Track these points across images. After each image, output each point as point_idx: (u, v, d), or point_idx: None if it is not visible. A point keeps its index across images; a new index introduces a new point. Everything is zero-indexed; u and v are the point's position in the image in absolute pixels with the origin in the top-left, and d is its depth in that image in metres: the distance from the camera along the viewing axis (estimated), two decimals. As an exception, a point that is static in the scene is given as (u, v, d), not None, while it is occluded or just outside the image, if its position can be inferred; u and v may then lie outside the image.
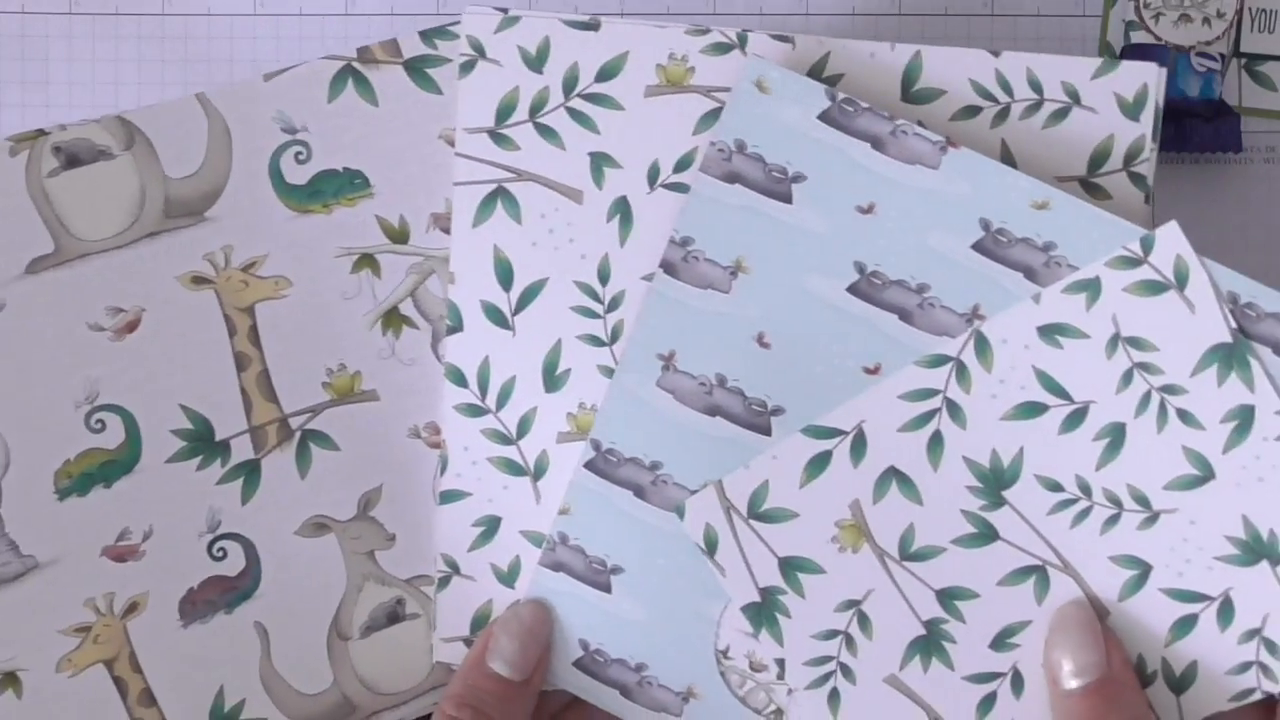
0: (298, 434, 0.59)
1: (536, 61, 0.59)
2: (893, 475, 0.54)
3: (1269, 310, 0.51)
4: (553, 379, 0.58)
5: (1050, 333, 0.53)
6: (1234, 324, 0.51)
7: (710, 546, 0.54)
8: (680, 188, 0.58)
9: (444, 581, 0.59)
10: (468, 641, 0.58)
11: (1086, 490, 0.53)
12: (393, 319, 0.60)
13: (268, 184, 0.59)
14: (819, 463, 0.54)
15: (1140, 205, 0.54)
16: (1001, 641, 0.54)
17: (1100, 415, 0.53)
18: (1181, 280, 0.52)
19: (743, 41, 0.58)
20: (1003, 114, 0.55)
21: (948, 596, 0.54)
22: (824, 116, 0.54)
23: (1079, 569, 0.53)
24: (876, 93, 0.54)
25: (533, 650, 0.58)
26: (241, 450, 0.59)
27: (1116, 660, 0.51)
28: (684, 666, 0.58)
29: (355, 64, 0.60)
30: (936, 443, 0.54)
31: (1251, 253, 0.67)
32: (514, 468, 0.59)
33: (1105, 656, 0.51)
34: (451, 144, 0.58)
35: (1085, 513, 0.53)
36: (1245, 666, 0.53)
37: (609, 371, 0.57)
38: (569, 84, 0.59)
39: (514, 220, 0.59)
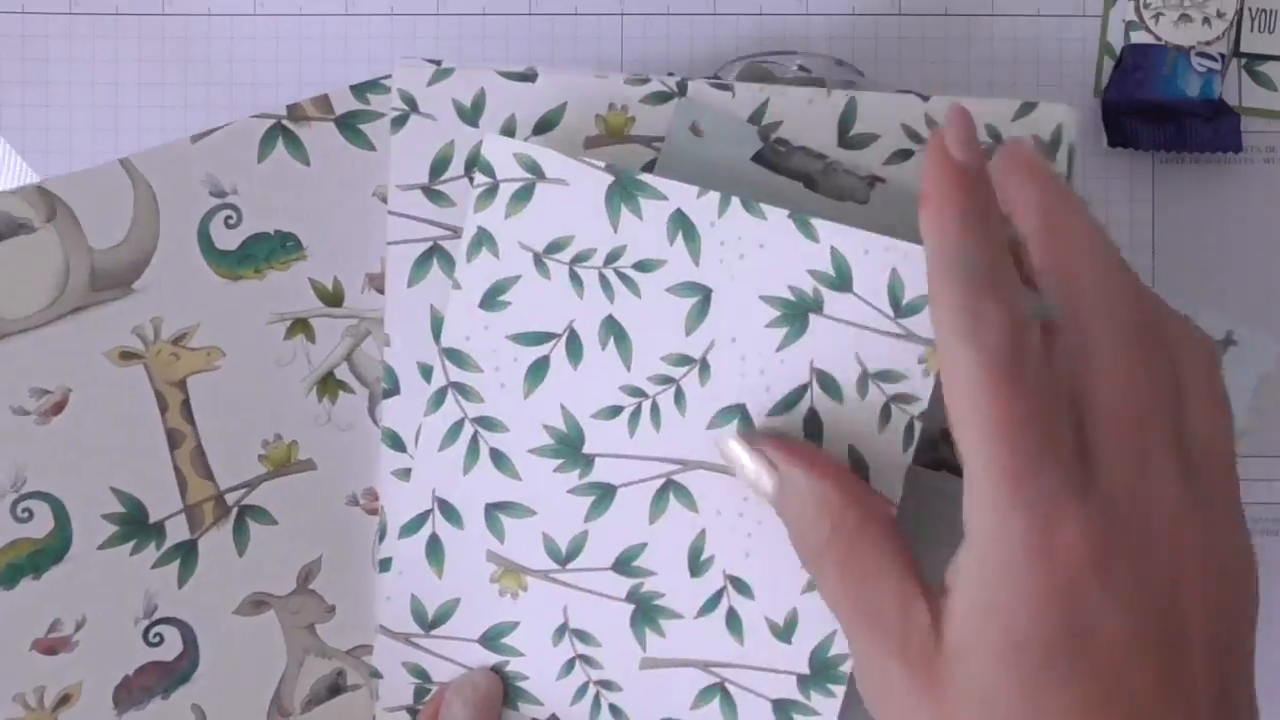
0: (234, 510, 0.58)
1: (472, 114, 0.58)
2: (494, 510, 0.56)
3: None
4: None
5: (491, 299, 0.55)
6: (602, 164, 0.53)
7: (424, 678, 0.58)
8: None
9: None
10: (411, 710, 0.60)
11: (637, 392, 0.53)
12: (329, 384, 0.60)
13: (197, 251, 0.58)
14: (435, 550, 0.57)
15: None
16: (697, 564, 0.53)
17: (588, 325, 0.54)
18: (536, 170, 0.54)
19: (682, 90, 0.58)
20: None
21: (624, 564, 0.54)
22: (757, 157, 0.55)
23: (696, 458, 0.53)
24: (815, 139, 0.55)
25: (487, 716, 0.57)
26: (177, 531, 0.58)
27: (778, 459, 0.49)
28: None
29: (285, 122, 0.59)
30: (500, 459, 0.55)
31: (1251, 253, 0.68)
32: None
33: (767, 465, 0.49)
34: (385, 201, 0.58)
35: (654, 410, 0.53)
36: None
37: None
38: (506, 135, 0.58)
39: (450, 279, 0.58)
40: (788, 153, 0.55)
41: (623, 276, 0.52)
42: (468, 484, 0.55)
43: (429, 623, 0.56)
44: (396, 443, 0.59)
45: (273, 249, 0.60)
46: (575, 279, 0.53)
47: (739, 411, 0.51)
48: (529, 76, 0.58)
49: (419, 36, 0.68)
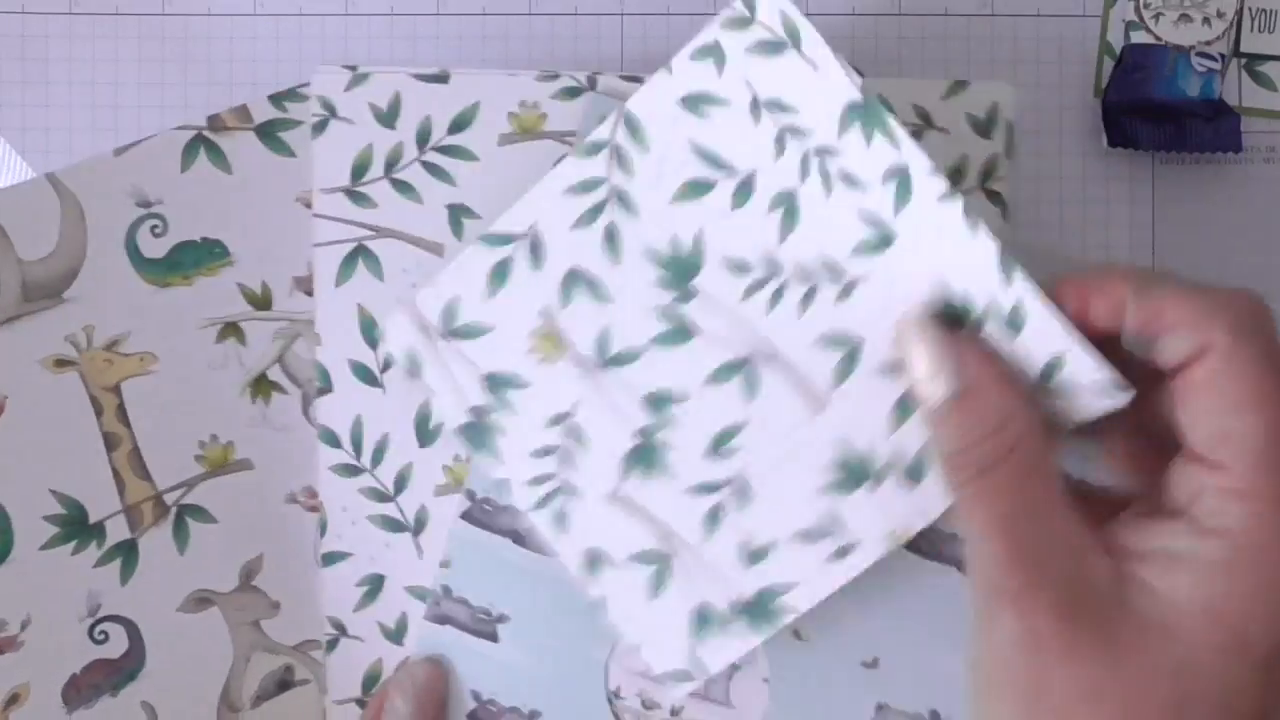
0: (173, 510, 0.59)
1: (389, 117, 0.60)
2: (577, 277, 0.53)
3: None
4: (427, 433, 0.59)
5: (694, 103, 0.52)
6: (859, 80, 0.49)
7: (415, 368, 0.55)
8: None
9: (332, 644, 0.59)
10: (360, 702, 0.59)
11: (775, 267, 0.51)
12: (262, 386, 0.60)
13: (125, 260, 0.59)
14: (500, 272, 0.54)
15: (999, 222, 0.56)
16: (719, 448, 0.52)
17: (768, 185, 0.51)
18: (795, 38, 0.50)
19: (593, 84, 0.59)
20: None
21: (656, 401, 0.53)
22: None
23: (788, 356, 0.51)
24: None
25: (429, 708, 0.58)
26: (117, 531, 0.59)
27: (972, 363, 0.46)
28: (577, 711, 0.58)
29: (206, 132, 0.61)
30: (612, 236, 0.53)
31: (1251, 253, 0.67)
32: (394, 524, 0.59)
33: (956, 364, 0.46)
34: (309, 206, 0.60)
35: (779, 292, 0.51)
36: None
37: None
38: (422, 137, 0.60)
39: (376, 278, 0.60)
40: None
41: (824, 171, 0.50)
42: (571, 237, 0.53)
43: (453, 328, 0.55)
44: (333, 440, 0.61)
45: (200, 256, 0.61)
46: (780, 142, 0.51)
47: (850, 347, 0.51)
48: (442, 78, 0.60)
49: (419, 36, 0.68)
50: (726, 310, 0.52)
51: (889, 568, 0.52)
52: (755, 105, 0.50)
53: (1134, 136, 0.66)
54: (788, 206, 0.51)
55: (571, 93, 0.59)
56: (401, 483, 0.59)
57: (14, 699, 0.60)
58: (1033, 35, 0.67)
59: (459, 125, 0.59)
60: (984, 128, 0.56)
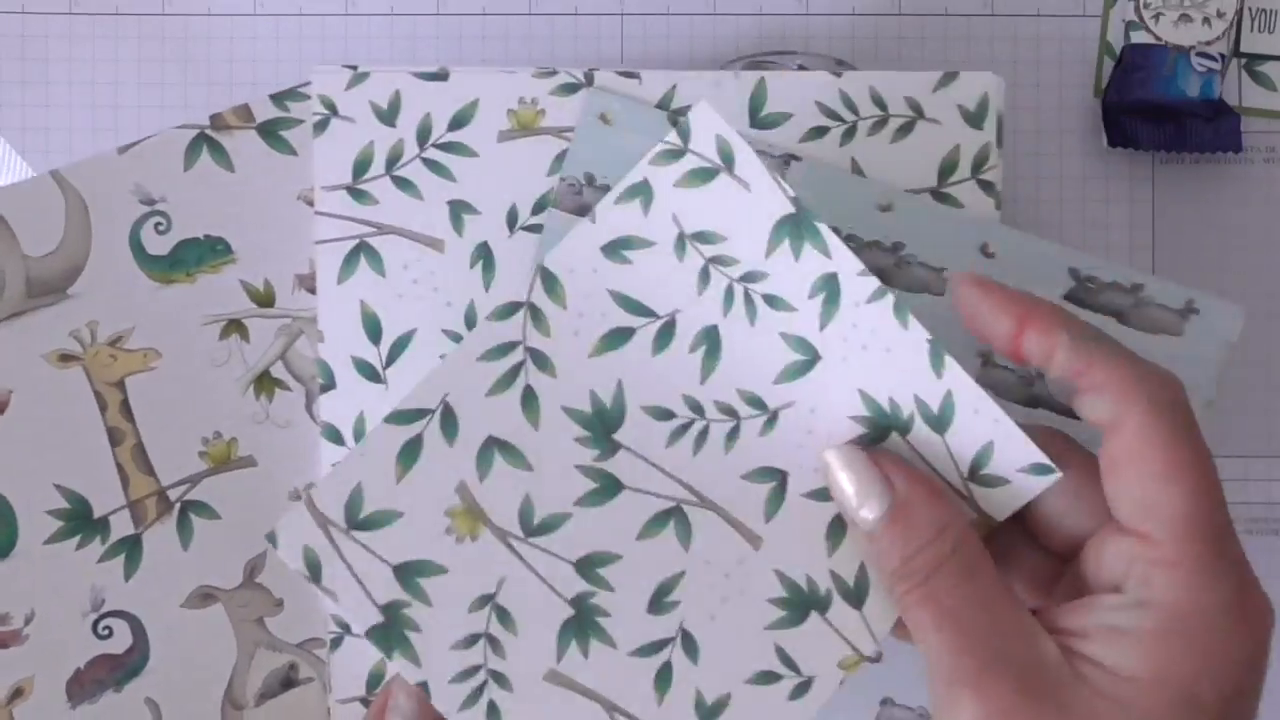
0: (177, 506, 0.60)
1: (389, 115, 0.60)
2: (494, 445, 0.50)
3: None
4: None
5: (615, 249, 0.51)
6: (791, 193, 0.49)
7: (314, 572, 0.49)
8: (539, 229, 0.59)
9: (336, 642, 0.59)
10: (364, 701, 0.59)
11: (698, 409, 0.51)
12: (265, 383, 0.61)
13: (129, 257, 0.60)
14: (411, 451, 0.50)
15: (991, 211, 0.56)
16: (660, 603, 0.50)
17: (690, 324, 0.50)
18: (728, 161, 0.50)
19: (590, 80, 0.59)
20: (849, 132, 0.57)
21: (588, 566, 0.50)
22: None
23: (716, 500, 0.50)
24: (726, 120, 0.54)
25: (432, 707, 0.58)
26: (121, 526, 0.59)
27: (898, 480, 0.47)
28: None
29: (209, 131, 0.61)
30: (530, 399, 0.51)
31: (1251, 253, 0.68)
32: None
33: (883, 484, 0.47)
34: (311, 204, 0.60)
35: (703, 434, 0.50)
36: None
37: None
38: (423, 135, 0.60)
39: (378, 274, 0.60)
40: None
41: (749, 299, 0.50)
42: (485, 405, 0.50)
43: (357, 520, 0.50)
44: (335, 437, 0.61)
45: (203, 253, 0.62)
46: (705, 276, 0.51)
47: (778, 479, 0.50)
48: (441, 76, 0.60)
49: (419, 36, 0.69)
50: (652, 460, 0.51)
51: None
52: (680, 241, 0.50)
53: (1134, 136, 0.67)
54: (710, 344, 0.50)
55: (569, 89, 0.60)
56: None
57: (18, 693, 0.60)
58: (1033, 35, 0.68)
59: (459, 122, 0.59)
60: (975, 118, 0.57)
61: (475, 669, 0.50)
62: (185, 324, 0.60)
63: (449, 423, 0.50)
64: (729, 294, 0.50)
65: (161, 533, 0.60)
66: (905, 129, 0.57)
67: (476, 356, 0.50)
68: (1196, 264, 0.68)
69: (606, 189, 0.56)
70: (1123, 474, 0.43)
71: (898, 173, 0.57)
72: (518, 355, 0.51)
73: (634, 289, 0.50)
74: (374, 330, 0.59)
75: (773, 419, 0.50)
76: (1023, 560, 0.49)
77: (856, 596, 0.49)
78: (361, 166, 0.59)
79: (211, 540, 0.60)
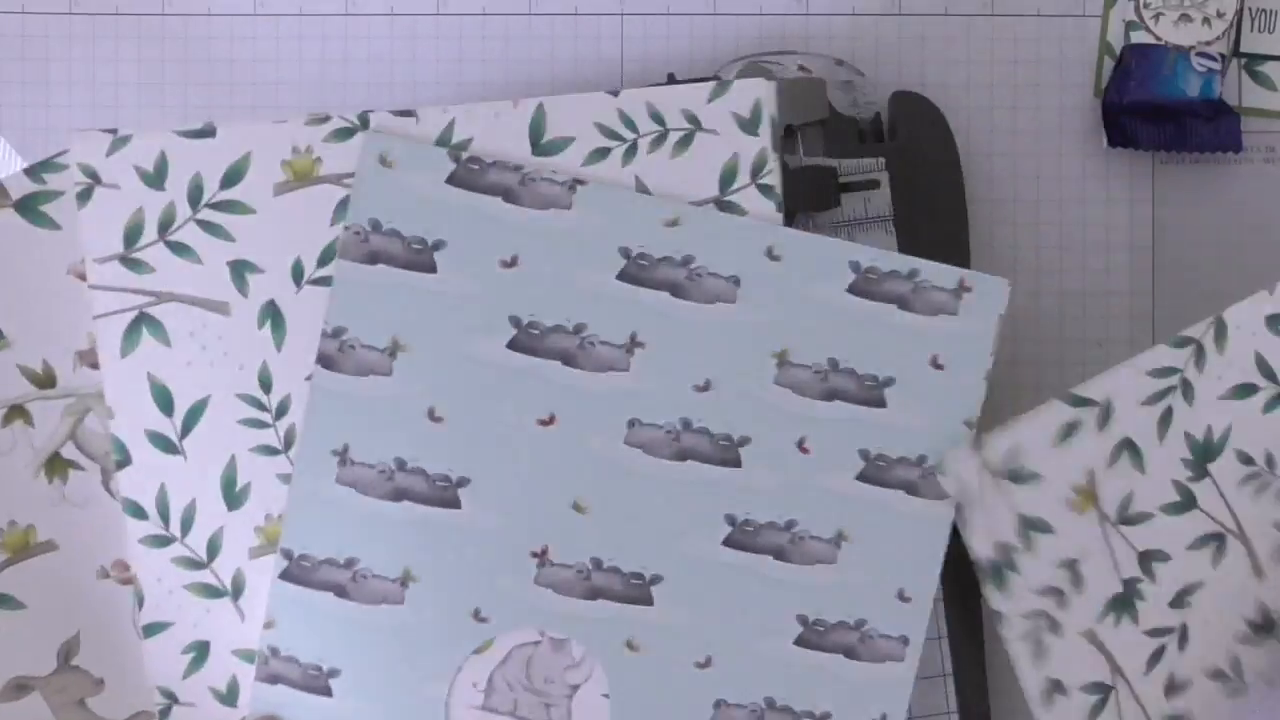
0: (-22, 601, 0.58)
1: (156, 178, 0.57)
2: (1125, 445, 0.57)
3: None
4: (233, 496, 0.58)
5: (1276, 322, 0.57)
6: None
7: (964, 500, 0.55)
8: (328, 281, 0.57)
9: (164, 713, 0.58)
10: None
11: (1271, 465, 0.57)
12: (56, 465, 0.59)
13: (-104, 352, 0.58)
14: (1069, 430, 0.57)
15: (773, 214, 0.57)
16: (1180, 600, 0.57)
17: None
18: None
19: (364, 123, 0.57)
20: (630, 150, 0.57)
21: (1147, 558, 0.57)
22: (452, 179, 0.56)
23: (1250, 536, 0.57)
24: (508, 151, 0.56)
25: None
26: (-76, 627, 0.58)
27: None
28: None
29: (-38, 214, 0.59)
30: (1167, 417, 0.57)
31: (1251, 253, 0.67)
32: (211, 591, 0.58)
33: None
34: (83, 278, 0.58)
35: (1265, 486, 0.57)
36: None
37: (289, 479, 0.57)
38: (194, 196, 0.58)
39: (163, 344, 0.58)
40: (482, 170, 0.56)
41: None
42: (1135, 411, 0.58)
43: (1012, 470, 0.57)
44: (138, 512, 0.59)
45: (-27, 341, 0.60)
46: None
47: None
48: (207, 132, 0.58)
49: (419, 36, 0.68)
50: (1225, 493, 0.58)
51: (709, 565, 0.56)
52: None
53: (1134, 136, 0.66)
54: None
55: (344, 134, 0.57)
56: (214, 549, 0.58)
57: None
58: (1033, 35, 0.67)
59: (231, 179, 0.57)
60: (749, 125, 0.57)
61: (1040, 613, 0.56)
62: (-36, 416, 0.58)
63: (1105, 416, 0.57)
64: None
65: (-34, 629, 0.59)
66: (684, 142, 0.57)
67: (1145, 371, 0.57)
68: (1196, 264, 0.67)
69: (394, 233, 0.56)
70: None
71: (681, 186, 0.57)
72: (1173, 380, 0.57)
73: (1275, 358, 0.57)
74: (165, 402, 0.58)
75: None
76: None
77: None
78: (133, 234, 0.57)
79: (19, 630, 0.58)
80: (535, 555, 0.56)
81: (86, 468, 0.59)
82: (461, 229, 0.55)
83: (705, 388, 0.56)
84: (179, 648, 0.58)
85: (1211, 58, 0.64)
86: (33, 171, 0.59)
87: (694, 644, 0.56)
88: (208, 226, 0.57)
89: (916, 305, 0.56)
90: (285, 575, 0.56)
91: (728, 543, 0.56)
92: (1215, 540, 0.58)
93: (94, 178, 0.57)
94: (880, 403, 0.56)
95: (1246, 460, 0.57)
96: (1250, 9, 0.66)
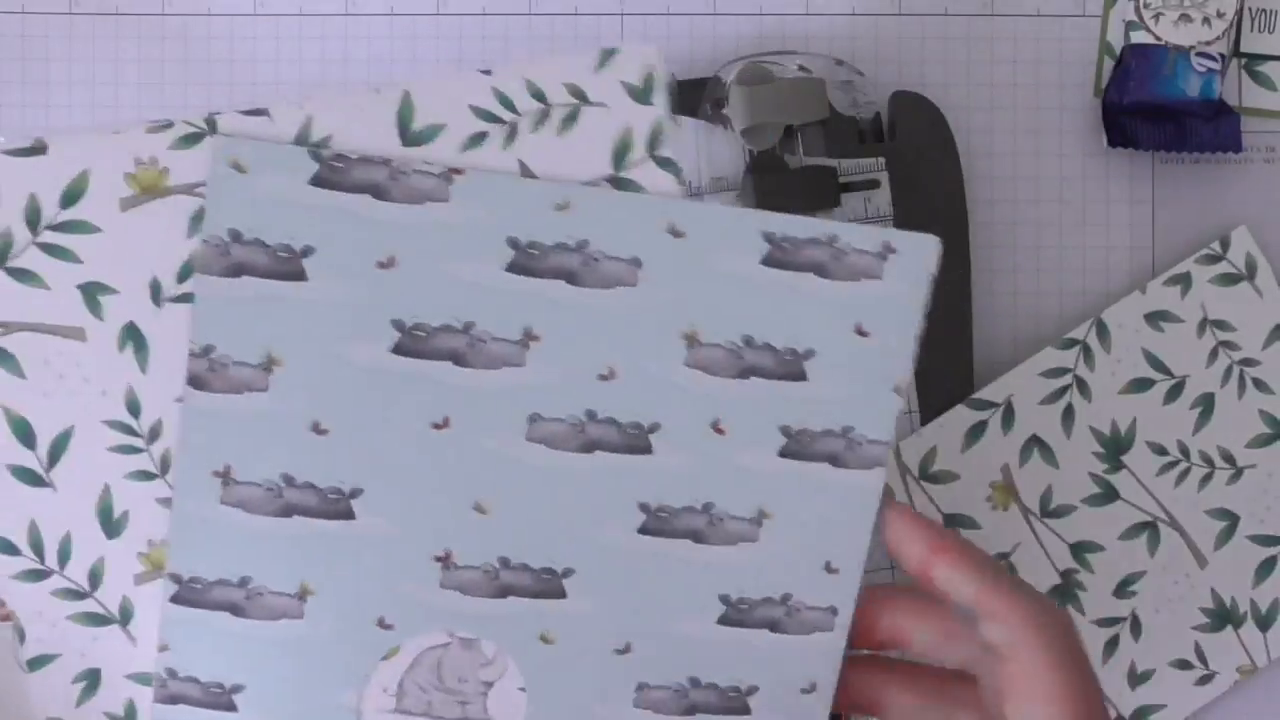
0: None
1: None
2: (1034, 442, 0.64)
3: None
4: (111, 524, 0.55)
5: (1154, 319, 0.65)
6: None
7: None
8: (189, 298, 0.53)
9: None
10: None
11: (1185, 453, 0.65)
12: None
13: None
14: (977, 431, 0.64)
15: (673, 188, 0.54)
16: (1122, 590, 0.64)
17: (1194, 387, 0.65)
18: (1251, 272, 0.65)
19: (213, 126, 0.53)
20: (511, 133, 0.53)
21: (1080, 550, 0.64)
22: (315, 180, 0.51)
23: (1182, 524, 0.65)
24: (376, 145, 0.52)
25: None
26: None
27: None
28: None
29: None
30: (1069, 414, 0.64)
31: None
32: (98, 619, 0.56)
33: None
34: None
35: (1185, 473, 0.65)
36: None
37: (169, 502, 0.54)
38: (32, 219, 0.54)
39: (17, 376, 0.54)
40: (347, 168, 0.51)
41: (1242, 379, 0.67)
42: (1038, 410, 0.66)
43: (927, 474, 0.65)
44: (10, 548, 0.56)
45: None
46: (1213, 354, 0.68)
47: (1231, 519, 0.68)
48: (38, 149, 0.54)
49: (419, 36, 0.68)
50: (1145, 483, 0.65)
51: (624, 554, 0.53)
52: (1203, 324, 0.65)
53: (1134, 136, 0.66)
54: (1205, 406, 0.65)
55: (191, 140, 0.53)
56: (96, 578, 0.55)
57: None
58: (1033, 35, 0.68)
59: (71, 198, 0.53)
60: (642, 94, 0.53)
61: None
62: None
63: (1009, 417, 0.64)
64: (1228, 371, 0.65)
65: None
66: (570, 118, 0.53)
67: (1037, 373, 0.64)
68: (1196, 264, 0.68)
69: (257, 241, 0.52)
70: (1016, 693, 0.48)
71: (570, 166, 0.53)
72: (1067, 379, 0.64)
73: (1161, 351, 0.65)
74: (25, 435, 0.54)
75: (1238, 474, 0.65)
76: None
77: (1264, 622, 0.66)
78: None
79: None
80: (439, 559, 0.53)
81: (-44, 502, 0.56)
82: (330, 232, 0.51)
83: (610, 376, 0.52)
84: (68, 677, 0.56)
85: (1211, 58, 0.65)
86: None
87: (611, 631, 0.54)
88: (51, 250, 0.53)
89: (836, 272, 0.52)
90: (176, 599, 0.54)
91: (643, 530, 0.53)
92: (1147, 529, 0.64)
93: None
94: (800, 375, 0.52)
95: (1160, 450, 0.64)
96: (1250, 9, 0.66)
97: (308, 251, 0.51)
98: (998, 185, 0.66)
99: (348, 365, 0.52)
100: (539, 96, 0.52)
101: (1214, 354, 0.64)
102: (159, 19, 0.67)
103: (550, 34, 0.67)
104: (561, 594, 0.53)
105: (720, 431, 0.52)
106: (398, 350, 0.52)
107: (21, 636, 0.55)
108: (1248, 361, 0.64)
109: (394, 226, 0.51)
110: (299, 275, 0.52)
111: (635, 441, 0.53)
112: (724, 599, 0.53)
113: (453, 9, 0.67)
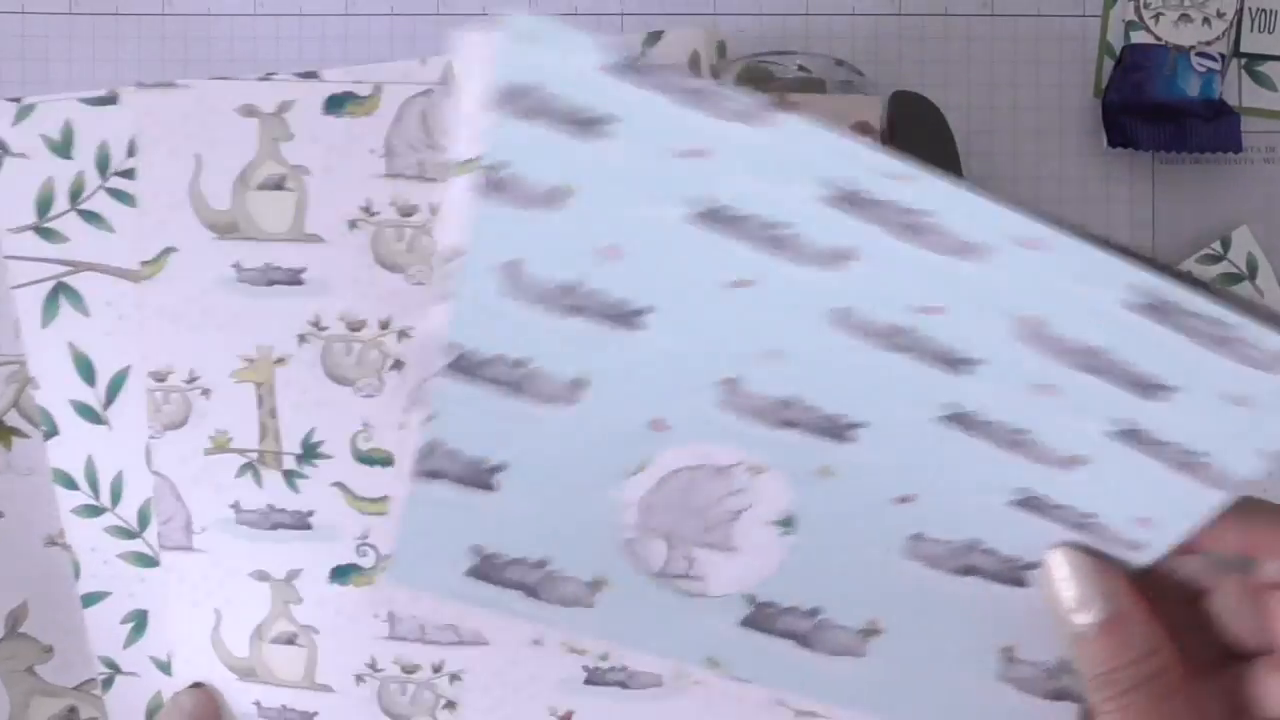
0: (-76, 570, 0.58)
1: (63, 147, 0.57)
2: None
3: None
4: None
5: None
6: None
7: None
8: None
9: (108, 682, 0.58)
10: None
11: None
12: (1, 432, 0.59)
13: None
14: None
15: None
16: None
17: None
18: (1252, 272, 0.63)
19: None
20: None
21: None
22: (615, 72, 0.43)
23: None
24: None
25: (210, 705, 0.56)
26: None
27: (1119, 593, 0.47)
28: (589, 555, 0.53)
29: (-118, 183, 0.59)
30: None
31: None
32: (145, 560, 0.57)
33: (1105, 594, 0.48)
34: None
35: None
36: None
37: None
38: (102, 164, 0.56)
39: (81, 314, 0.57)
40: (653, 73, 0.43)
41: None
42: None
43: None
44: (68, 482, 0.58)
45: (-99, 312, 0.59)
46: None
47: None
48: (110, 100, 0.56)
49: (419, 36, 0.68)
50: None
51: (925, 431, 0.49)
52: None
53: (1134, 136, 0.66)
54: None
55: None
56: (145, 518, 0.57)
57: None
58: (1033, 35, 0.68)
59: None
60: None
61: None
62: (-97, 382, 0.58)
63: None
64: None
65: (-87, 597, 0.59)
66: None
67: None
68: (1196, 264, 0.66)
69: (555, 98, 0.44)
70: None
71: None
72: None
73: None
74: (87, 372, 0.56)
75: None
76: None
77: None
78: (44, 204, 0.56)
79: (-34, 599, 0.58)
80: (725, 381, 0.49)
81: (31, 435, 0.58)
82: (636, 112, 0.44)
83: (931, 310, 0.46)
84: (118, 617, 0.58)
85: (1211, 58, 0.65)
86: (-53, 144, 0.59)
87: (896, 482, 0.49)
88: (118, 195, 0.55)
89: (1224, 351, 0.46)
90: (453, 367, 0.50)
91: (947, 419, 0.48)
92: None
93: (3, 147, 0.56)
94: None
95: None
96: (1250, 9, 0.67)
97: (609, 119, 0.44)
98: (998, 186, 0.66)
99: (641, 220, 0.46)
100: None
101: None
102: (159, 19, 0.67)
103: (550, 34, 0.67)
104: (850, 440, 0.49)
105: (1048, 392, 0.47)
106: (699, 221, 0.46)
107: (77, 571, 0.58)
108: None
109: (703, 129, 0.44)
110: (599, 136, 0.44)
111: (949, 358, 0.47)
112: (1022, 491, 0.49)
113: (452, 9, 0.67)
